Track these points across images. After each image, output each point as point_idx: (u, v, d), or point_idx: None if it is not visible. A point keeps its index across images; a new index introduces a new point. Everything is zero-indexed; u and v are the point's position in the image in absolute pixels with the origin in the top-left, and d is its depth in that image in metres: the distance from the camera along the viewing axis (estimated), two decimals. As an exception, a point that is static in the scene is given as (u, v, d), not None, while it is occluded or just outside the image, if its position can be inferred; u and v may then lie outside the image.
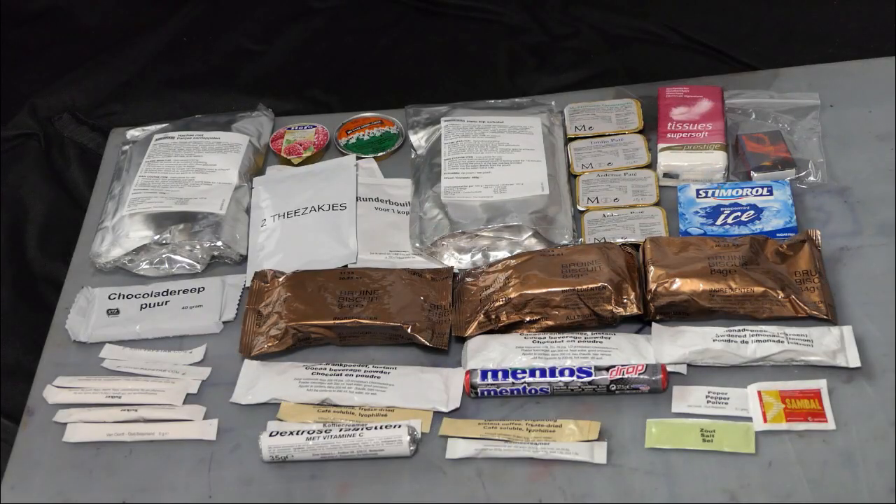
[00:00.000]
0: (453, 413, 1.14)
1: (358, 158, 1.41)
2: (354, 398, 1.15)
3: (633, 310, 1.16)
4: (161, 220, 1.32)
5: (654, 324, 1.17)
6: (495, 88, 1.66)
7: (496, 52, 1.75)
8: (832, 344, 1.12)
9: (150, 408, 1.18)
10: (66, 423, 1.18)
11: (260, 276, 1.26)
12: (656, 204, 1.30)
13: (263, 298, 1.24)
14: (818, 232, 1.22)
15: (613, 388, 1.12)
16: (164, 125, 1.49)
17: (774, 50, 1.65)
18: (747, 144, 1.33)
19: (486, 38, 1.79)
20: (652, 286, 1.17)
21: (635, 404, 1.12)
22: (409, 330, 1.18)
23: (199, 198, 1.35)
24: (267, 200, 1.37)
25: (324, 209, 1.33)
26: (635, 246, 1.25)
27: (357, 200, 1.35)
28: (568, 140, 1.41)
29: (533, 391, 1.13)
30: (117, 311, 1.27)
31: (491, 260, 1.27)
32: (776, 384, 1.11)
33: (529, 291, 1.18)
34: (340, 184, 1.36)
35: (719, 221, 1.26)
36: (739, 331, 1.13)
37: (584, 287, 1.16)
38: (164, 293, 1.28)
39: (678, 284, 1.16)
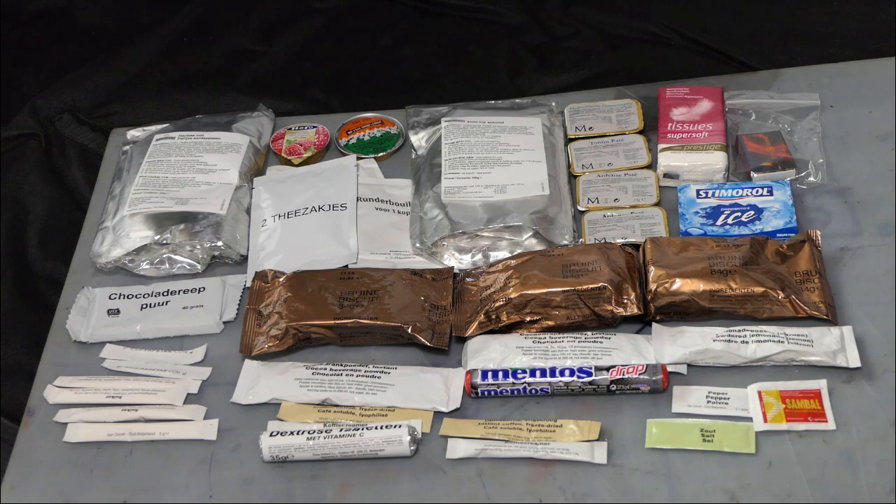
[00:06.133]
0: (454, 413, 1.14)
1: (358, 159, 1.41)
2: (355, 398, 1.15)
3: (633, 310, 1.16)
4: (161, 221, 1.32)
5: (654, 324, 1.17)
6: (495, 89, 1.66)
7: (496, 52, 1.75)
8: (832, 344, 1.12)
9: (150, 408, 1.18)
10: (66, 423, 1.18)
11: (260, 276, 1.27)
12: (656, 204, 1.30)
13: (264, 298, 1.24)
14: (818, 232, 1.22)
15: (614, 388, 1.12)
16: (164, 125, 1.49)
17: (774, 50, 1.65)
18: (747, 145, 1.33)
19: (487, 38, 1.79)
20: (652, 286, 1.17)
21: (635, 404, 1.12)
22: (409, 330, 1.18)
23: (200, 198, 1.35)
24: (267, 200, 1.37)
25: (324, 209, 1.33)
26: (635, 246, 1.25)
27: (357, 201, 1.35)
28: (568, 140, 1.41)
29: (533, 391, 1.13)
30: (118, 311, 1.27)
31: (491, 260, 1.27)
32: (776, 384, 1.11)
33: (530, 291, 1.18)
34: (341, 184, 1.36)
35: (719, 222, 1.26)
36: (739, 331, 1.13)
37: (585, 287, 1.16)
38: (165, 293, 1.28)
39: (678, 285, 1.16)
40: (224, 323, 1.26)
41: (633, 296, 1.17)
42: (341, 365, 1.18)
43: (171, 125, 1.49)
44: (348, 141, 1.45)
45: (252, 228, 1.35)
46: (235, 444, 1.15)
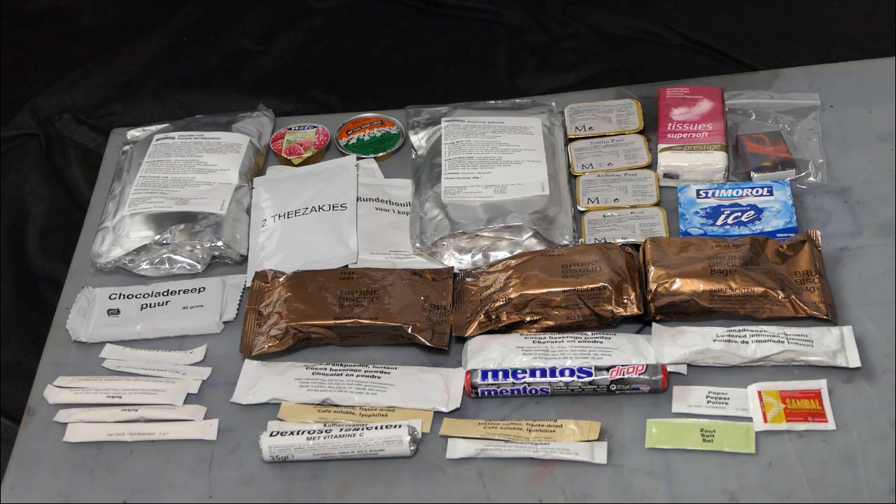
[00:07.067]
0: (454, 413, 1.14)
1: (358, 159, 1.41)
2: (355, 398, 1.15)
3: (633, 310, 1.16)
4: (161, 221, 1.32)
5: (654, 324, 1.17)
6: (495, 89, 1.66)
7: (496, 52, 1.75)
8: (832, 344, 1.12)
9: (150, 408, 1.18)
10: (66, 423, 1.18)
11: (260, 276, 1.27)
12: (656, 204, 1.30)
13: (264, 298, 1.24)
14: (818, 232, 1.22)
15: (614, 388, 1.12)
16: (164, 125, 1.49)
17: (774, 50, 1.65)
18: (747, 145, 1.33)
19: (487, 38, 1.79)
20: (652, 286, 1.17)
21: (635, 404, 1.12)
22: (409, 330, 1.18)
23: (200, 198, 1.35)
24: (267, 200, 1.37)
25: (324, 209, 1.33)
26: (636, 246, 1.25)
27: (357, 201, 1.35)
28: (568, 140, 1.41)
29: (533, 391, 1.13)
30: (118, 311, 1.27)
31: (491, 260, 1.27)
32: (776, 384, 1.11)
33: (530, 291, 1.18)
34: (341, 184, 1.36)
35: (719, 222, 1.26)
36: (739, 331, 1.13)
37: (585, 287, 1.16)
38: (165, 293, 1.28)
39: (678, 285, 1.16)
40: (224, 323, 1.26)
41: (633, 296, 1.17)
42: (341, 365, 1.18)
43: (171, 125, 1.49)
44: (348, 141, 1.45)
45: (252, 228, 1.35)
46: (235, 444, 1.15)
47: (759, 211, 1.26)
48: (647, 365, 1.12)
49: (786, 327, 1.14)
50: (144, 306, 1.27)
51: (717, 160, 1.31)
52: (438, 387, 1.15)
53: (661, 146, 1.34)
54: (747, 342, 1.12)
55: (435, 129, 1.41)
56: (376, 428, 1.09)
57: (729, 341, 1.13)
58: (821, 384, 1.10)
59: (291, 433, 1.11)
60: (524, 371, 1.13)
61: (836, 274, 1.20)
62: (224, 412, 1.17)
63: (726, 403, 1.10)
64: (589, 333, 1.17)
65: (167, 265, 1.32)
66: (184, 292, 1.28)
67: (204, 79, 1.78)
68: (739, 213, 1.26)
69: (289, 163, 1.43)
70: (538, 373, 1.13)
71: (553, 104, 1.45)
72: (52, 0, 1.96)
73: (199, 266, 1.32)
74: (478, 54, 1.77)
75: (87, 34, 1.91)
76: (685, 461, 1.07)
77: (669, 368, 1.13)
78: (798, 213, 1.26)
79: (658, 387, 1.11)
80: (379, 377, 1.16)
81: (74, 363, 1.24)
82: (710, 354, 1.13)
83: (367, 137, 1.45)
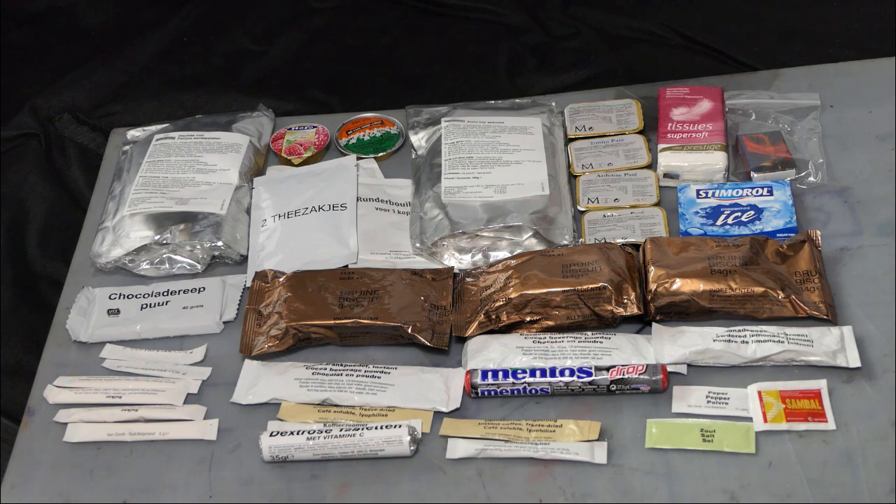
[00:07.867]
0: (454, 413, 1.14)
1: (358, 159, 1.41)
2: (355, 398, 1.15)
3: (633, 310, 1.16)
4: (161, 221, 1.32)
5: (654, 324, 1.17)
6: (495, 89, 1.66)
7: (496, 52, 1.75)
8: (832, 344, 1.12)
9: (150, 408, 1.18)
10: (66, 423, 1.18)
11: (260, 276, 1.27)
12: (656, 204, 1.30)
13: (264, 298, 1.24)
14: (818, 232, 1.22)
15: (614, 388, 1.12)
16: (164, 125, 1.49)
17: (774, 50, 1.65)
18: (747, 145, 1.33)
19: (487, 38, 1.79)
20: (652, 286, 1.17)
21: (635, 404, 1.12)
22: (409, 330, 1.18)
23: (200, 198, 1.35)
24: (267, 200, 1.37)
25: (324, 209, 1.33)
26: (636, 246, 1.25)
27: (357, 201, 1.35)
28: (568, 140, 1.41)
29: (533, 391, 1.13)
30: (118, 311, 1.27)
31: (491, 260, 1.27)
32: (776, 384, 1.11)
33: (530, 291, 1.18)
34: (341, 184, 1.36)
35: (719, 222, 1.26)
36: (740, 331, 1.13)
37: (585, 287, 1.16)
38: (165, 293, 1.28)
39: (678, 284, 1.16)
40: (224, 323, 1.26)
41: (633, 296, 1.17)
42: (341, 365, 1.18)
43: (171, 125, 1.49)
44: (348, 141, 1.45)
45: (252, 228, 1.35)
46: (235, 444, 1.15)
47: (759, 211, 1.26)
48: (647, 365, 1.12)
49: (786, 327, 1.14)
50: (144, 306, 1.27)
51: (717, 160, 1.31)
52: (438, 387, 1.15)
53: (661, 146, 1.34)
54: (747, 342, 1.12)
55: (435, 129, 1.41)
56: (376, 428, 1.10)
57: (729, 341, 1.13)
58: (821, 384, 1.10)
59: (291, 433, 1.11)
60: (524, 371, 1.13)
61: (836, 274, 1.20)
62: (224, 412, 1.17)
63: (726, 403, 1.10)
64: (589, 333, 1.17)
65: (167, 265, 1.32)
66: (184, 292, 1.28)
67: (204, 79, 1.77)
68: (739, 213, 1.26)
69: (289, 163, 1.44)
70: (538, 373, 1.13)
71: (553, 104, 1.45)
72: (52, 0, 1.96)
73: (199, 266, 1.32)
74: (478, 54, 1.76)
75: (87, 34, 1.91)
76: (685, 461, 1.07)
77: (669, 368, 1.13)
78: (798, 213, 1.26)
79: (658, 387, 1.11)
80: (379, 377, 1.16)
81: (74, 363, 1.24)
82: (710, 354, 1.13)
83: (367, 137, 1.45)
